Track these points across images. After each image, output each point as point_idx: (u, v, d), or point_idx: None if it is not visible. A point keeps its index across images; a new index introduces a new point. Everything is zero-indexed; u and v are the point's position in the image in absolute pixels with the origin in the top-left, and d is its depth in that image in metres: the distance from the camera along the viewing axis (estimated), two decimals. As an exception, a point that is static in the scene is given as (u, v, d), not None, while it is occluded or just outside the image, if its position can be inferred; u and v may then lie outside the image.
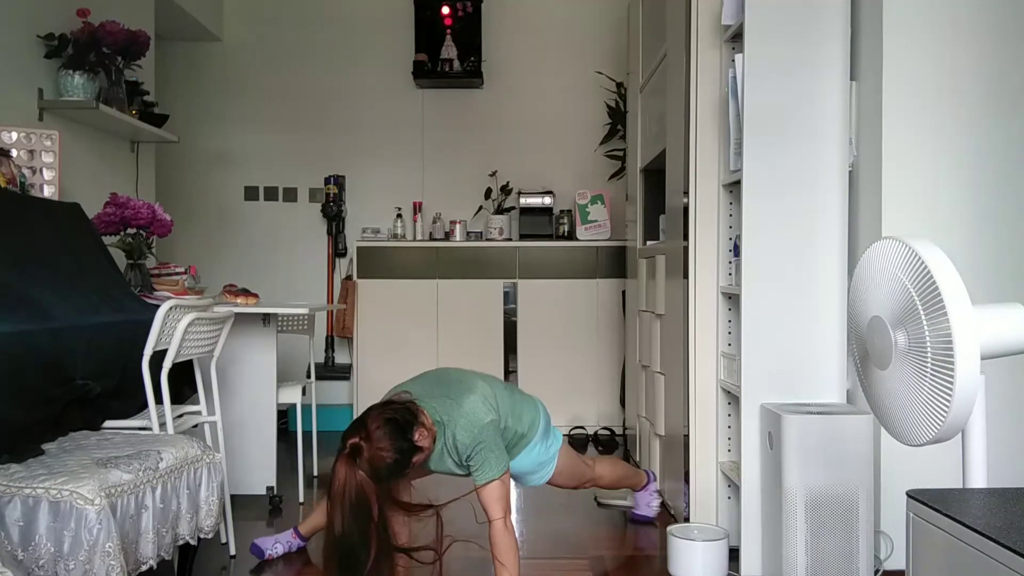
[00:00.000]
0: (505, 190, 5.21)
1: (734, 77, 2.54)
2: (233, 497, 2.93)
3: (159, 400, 2.41)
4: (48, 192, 2.96)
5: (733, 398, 2.69)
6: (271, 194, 5.33)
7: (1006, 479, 2.23)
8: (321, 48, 5.30)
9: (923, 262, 1.48)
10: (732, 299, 2.73)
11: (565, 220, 5.06)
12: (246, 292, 3.25)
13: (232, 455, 3.16)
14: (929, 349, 1.47)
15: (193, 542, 2.24)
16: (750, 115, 2.46)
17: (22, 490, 1.81)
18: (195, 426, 2.75)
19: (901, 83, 2.42)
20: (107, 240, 2.91)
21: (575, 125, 5.26)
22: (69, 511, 1.79)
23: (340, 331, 5.12)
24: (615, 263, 4.85)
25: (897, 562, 2.36)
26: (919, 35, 2.42)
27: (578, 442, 4.72)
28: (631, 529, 3.14)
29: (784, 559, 2.22)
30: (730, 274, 2.74)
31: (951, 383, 1.42)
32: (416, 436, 2.25)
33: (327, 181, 5.18)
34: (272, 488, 3.40)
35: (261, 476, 3.41)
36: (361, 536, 2.08)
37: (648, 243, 3.75)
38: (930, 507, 1.29)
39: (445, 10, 5.10)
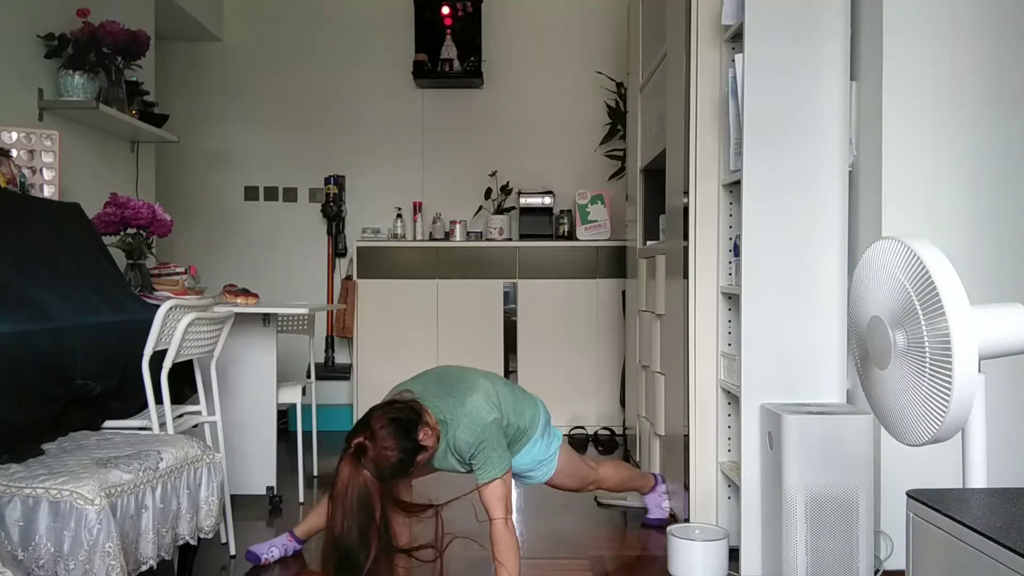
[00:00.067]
0: (505, 190, 5.21)
1: (734, 77, 2.54)
2: (233, 497, 2.93)
3: (159, 400, 2.41)
4: (48, 192, 2.96)
5: (733, 398, 2.69)
6: (271, 194, 5.33)
7: (1006, 479, 2.23)
8: (321, 48, 5.30)
9: (922, 262, 1.48)
10: (732, 299, 2.73)
11: (565, 220, 5.06)
12: (246, 292, 3.25)
13: (232, 455, 3.16)
14: (927, 349, 1.47)
15: (193, 542, 2.24)
16: (750, 115, 2.46)
17: (22, 490, 1.81)
18: (195, 426, 2.75)
19: (901, 83, 2.42)
20: (107, 240, 2.91)
21: (575, 125, 5.26)
22: (69, 511, 1.79)
23: (340, 331, 5.12)
24: (615, 263, 4.85)
25: (897, 562, 2.36)
26: (919, 35, 2.42)
27: (578, 442, 4.72)
28: (631, 529, 3.14)
29: (784, 559, 2.22)
30: (730, 274, 2.74)
31: (949, 383, 1.42)
32: (420, 436, 2.25)
33: (327, 181, 5.18)
34: (272, 488, 3.40)
35: (261, 476, 3.41)
36: (362, 536, 2.08)
37: (648, 243, 3.75)
38: (930, 507, 1.29)
39: (445, 10, 5.10)
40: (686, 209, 2.87)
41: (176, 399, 2.62)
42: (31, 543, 1.78)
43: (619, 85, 5.03)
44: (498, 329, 4.92)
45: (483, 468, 2.33)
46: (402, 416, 2.23)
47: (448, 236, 5.06)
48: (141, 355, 2.36)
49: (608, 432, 4.84)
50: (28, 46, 3.28)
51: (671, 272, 3.15)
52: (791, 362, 2.47)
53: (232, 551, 2.76)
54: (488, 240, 5.00)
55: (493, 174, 5.24)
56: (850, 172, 2.51)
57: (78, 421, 2.34)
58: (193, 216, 5.18)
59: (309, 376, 3.84)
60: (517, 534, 2.37)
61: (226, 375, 3.30)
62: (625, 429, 4.71)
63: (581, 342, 4.90)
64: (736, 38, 2.66)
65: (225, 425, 2.90)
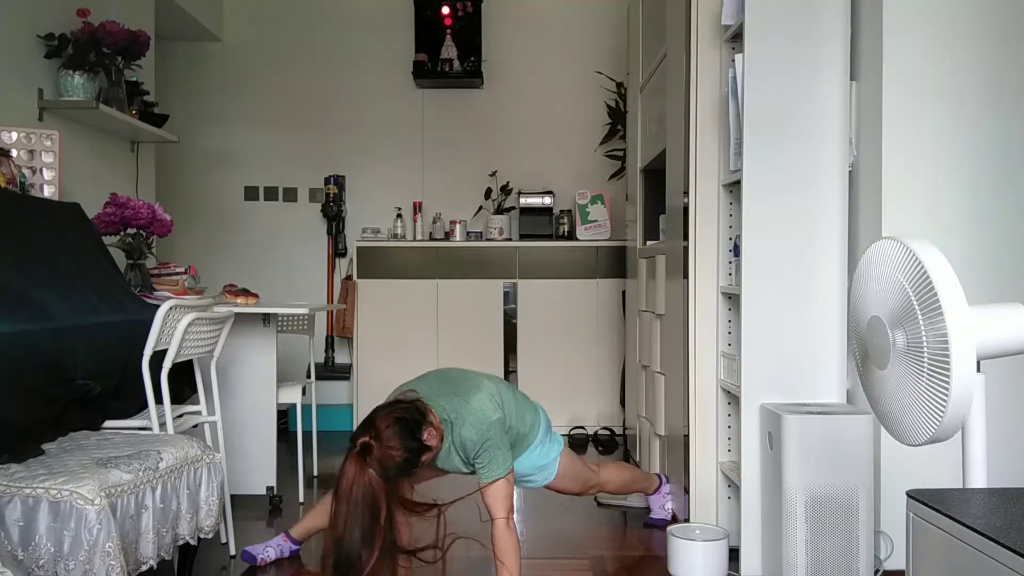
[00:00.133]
0: (505, 190, 5.21)
1: (734, 77, 2.54)
2: (233, 497, 2.93)
3: (159, 400, 2.41)
4: (48, 192, 2.96)
5: (733, 398, 2.69)
6: (271, 194, 5.33)
7: (1006, 479, 2.23)
8: (321, 48, 5.30)
9: (920, 263, 1.48)
10: (732, 299, 2.73)
11: (565, 220, 5.06)
12: (246, 292, 3.25)
13: (232, 455, 3.16)
14: (926, 349, 1.47)
15: (193, 542, 2.24)
16: (750, 115, 2.46)
17: (22, 490, 1.81)
18: (195, 426, 2.75)
19: (901, 83, 2.42)
20: (107, 240, 2.91)
21: (575, 125, 5.26)
22: (69, 511, 1.79)
23: (340, 331, 5.12)
24: (615, 263, 4.85)
25: (897, 562, 2.36)
26: (919, 35, 2.42)
27: (578, 442, 4.72)
28: (631, 529, 3.14)
29: (784, 559, 2.22)
30: (730, 274, 2.74)
31: (947, 383, 1.43)
32: (425, 435, 2.26)
33: (327, 181, 5.18)
34: (272, 488, 3.40)
35: (261, 476, 3.41)
36: (366, 535, 2.08)
37: (648, 243, 3.75)
38: (930, 507, 1.29)
39: (445, 10, 5.10)
40: (686, 209, 2.87)
41: (176, 399, 2.62)
42: (31, 543, 1.78)
43: (619, 85, 5.03)
44: (498, 329, 4.92)
45: (486, 467, 2.33)
46: (407, 416, 2.24)
47: (448, 236, 5.06)
48: (141, 355, 2.36)
49: (608, 432, 4.84)
50: (28, 46, 3.28)
51: (671, 272, 3.15)
52: (791, 362, 2.47)
53: (232, 551, 2.76)
54: (488, 240, 5.00)
55: (493, 174, 5.24)
56: (850, 172, 2.51)
57: (78, 421, 2.34)
58: (193, 216, 5.18)
59: (309, 376, 3.84)
60: (518, 534, 2.37)
61: (226, 375, 3.30)
62: (625, 429, 4.71)
63: (581, 342, 4.90)
64: (736, 38, 2.66)
65: (225, 425, 2.90)
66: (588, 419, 4.88)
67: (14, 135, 2.91)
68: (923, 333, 1.48)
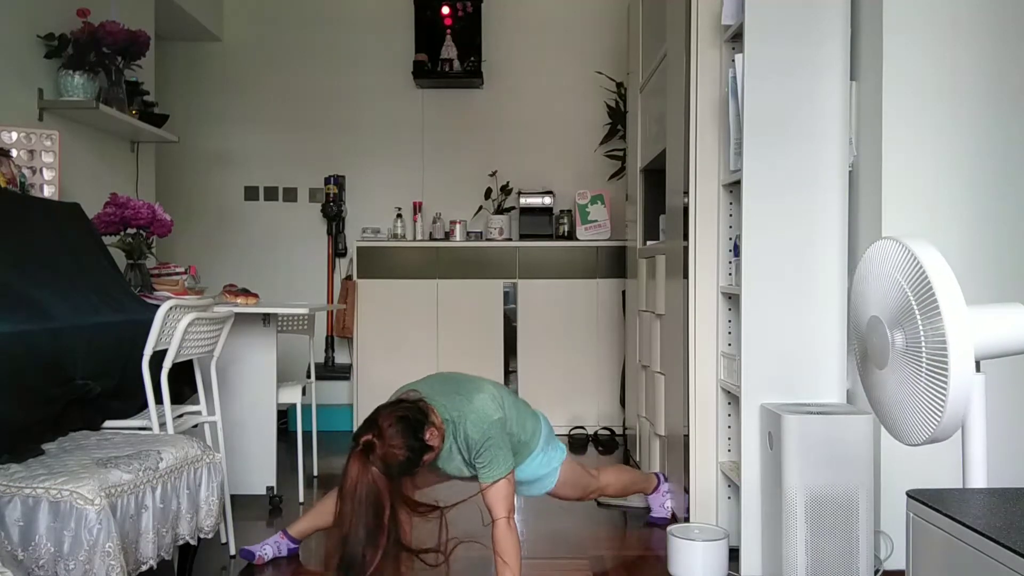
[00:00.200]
0: (505, 190, 5.21)
1: (734, 77, 2.54)
2: (233, 497, 2.93)
3: (159, 400, 2.41)
4: (48, 192, 2.96)
5: (733, 398, 2.69)
6: (271, 194, 5.33)
7: (1006, 479, 2.23)
8: (321, 48, 5.30)
9: (919, 262, 1.48)
10: (732, 299, 2.73)
11: (565, 220, 5.06)
12: (246, 292, 3.25)
13: (232, 455, 3.16)
14: (924, 349, 1.47)
15: (193, 542, 2.24)
16: (750, 115, 2.46)
17: (22, 490, 1.81)
18: (195, 426, 2.75)
19: (901, 83, 2.42)
20: (107, 240, 2.91)
21: (575, 125, 5.26)
22: (69, 511, 1.79)
23: (340, 331, 5.12)
24: (615, 263, 4.85)
25: (897, 562, 2.36)
26: (919, 35, 2.42)
27: (578, 442, 4.72)
28: (631, 529, 3.14)
29: (784, 559, 2.22)
30: (730, 274, 2.74)
31: (945, 383, 1.43)
32: (427, 435, 2.27)
33: (327, 181, 5.18)
34: (272, 488, 3.40)
35: (261, 476, 3.41)
36: (370, 533, 2.09)
37: (648, 243, 3.75)
38: (930, 507, 1.29)
39: (445, 10, 5.10)
40: (686, 209, 2.87)
41: (176, 399, 2.62)
42: (31, 543, 1.78)
43: (619, 85, 5.03)
44: (498, 329, 4.92)
45: (487, 467, 2.34)
46: (409, 415, 2.25)
47: (448, 236, 5.06)
48: (141, 355, 2.36)
49: (608, 432, 4.84)
50: (28, 46, 3.28)
51: (671, 272, 3.15)
52: (791, 362, 2.47)
53: (232, 551, 2.76)
54: (488, 240, 5.00)
55: (493, 174, 5.24)
56: (850, 172, 2.51)
57: (78, 421, 2.34)
58: (193, 216, 5.18)
59: (309, 376, 3.84)
60: (519, 534, 2.37)
61: (226, 375, 3.30)
62: (625, 429, 4.71)
63: (581, 342, 4.90)
64: (736, 38, 2.66)
65: (225, 425, 2.90)
66: (588, 419, 4.88)
67: (14, 135, 2.91)
68: (921, 333, 1.48)
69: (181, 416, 2.66)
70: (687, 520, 2.83)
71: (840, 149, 2.48)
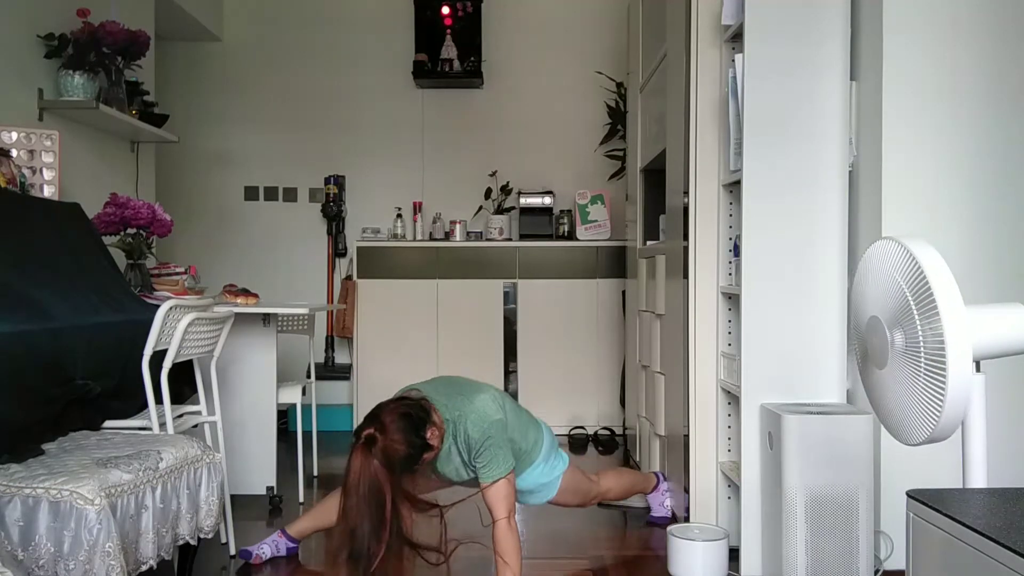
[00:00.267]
0: (505, 190, 5.21)
1: (734, 77, 2.54)
2: (233, 497, 2.92)
3: (159, 400, 2.41)
4: (48, 192, 2.96)
5: (733, 398, 2.69)
6: (271, 194, 5.33)
7: (1006, 479, 2.23)
8: (321, 48, 5.30)
9: (917, 263, 1.49)
10: (732, 299, 2.73)
11: (565, 220, 5.06)
12: (246, 292, 3.25)
13: (232, 455, 3.16)
14: (923, 349, 1.47)
15: (193, 542, 2.24)
16: (750, 115, 2.46)
17: (22, 490, 1.81)
18: (195, 426, 2.75)
19: (901, 83, 2.42)
20: (107, 240, 2.91)
21: (575, 125, 5.26)
22: (69, 511, 1.79)
23: (340, 331, 5.12)
24: (615, 263, 4.85)
25: (897, 562, 2.36)
26: (919, 35, 2.42)
27: (578, 442, 4.72)
28: (631, 529, 3.14)
29: (784, 559, 2.22)
30: (730, 274, 2.74)
31: (943, 383, 1.43)
32: (428, 434, 2.29)
33: (327, 181, 5.18)
34: (272, 488, 3.40)
35: (261, 476, 3.40)
36: (374, 526, 2.10)
37: (648, 243, 3.75)
38: (930, 507, 1.29)
39: (445, 10, 5.10)
40: (686, 209, 2.87)
41: (176, 399, 2.62)
42: (31, 543, 1.78)
43: (619, 85, 5.03)
44: (498, 329, 4.92)
45: (487, 467, 2.35)
46: (412, 412, 2.28)
47: (448, 236, 5.06)
48: (141, 355, 2.36)
49: (608, 432, 4.84)
50: (28, 46, 3.28)
51: (671, 272, 3.15)
52: (791, 362, 2.47)
53: (232, 551, 2.76)
54: (488, 240, 5.00)
55: (493, 174, 5.24)
56: (850, 172, 2.51)
57: (78, 421, 2.34)
58: (193, 216, 5.18)
59: (309, 376, 3.84)
60: (519, 534, 2.38)
61: (226, 375, 3.30)
62: (625, 429, 4.71)
63: (581, 342, 4.90)
64: (736, 38, 2.66)
65: (225, 425, 2.90)
66: (588, 419, 4.88)
67: (14, 135, 2.91)
68: (920, 333, 1.48)
69: (181, 416, 2.67)
70: (687, 520, 2.83)
71: (840, 149, 2.48)
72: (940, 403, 1.44)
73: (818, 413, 2.26)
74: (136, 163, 4.09)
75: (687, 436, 2.85)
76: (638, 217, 3.96)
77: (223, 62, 5.32)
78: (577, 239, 4.97)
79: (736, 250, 2.66)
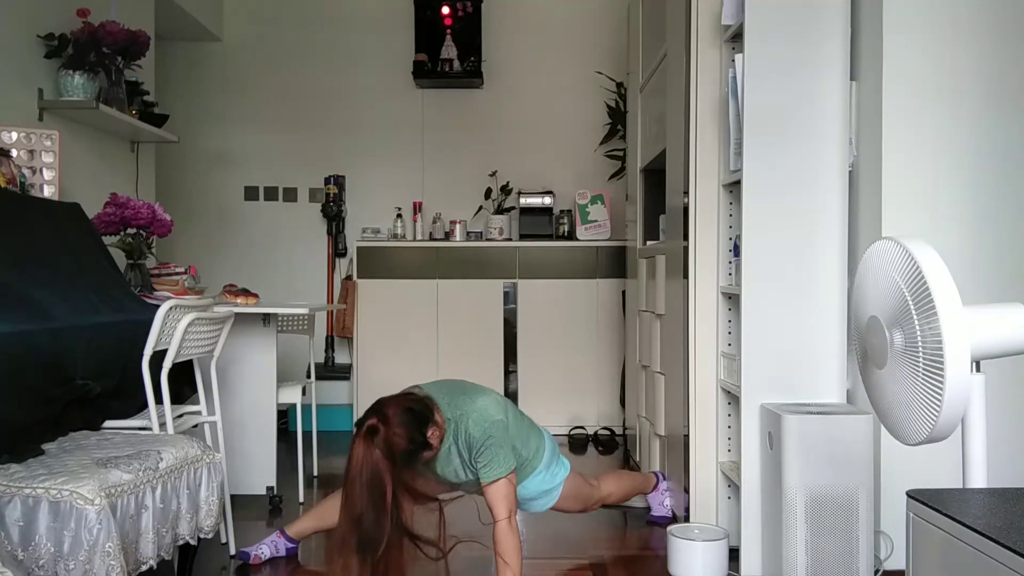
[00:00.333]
0: (505, 190, 5.21)
1: (734, 77, 2.54)
2: (233, 497, 2.92)
3: (159, 400, 2.41)
4: (48, 192, 2.96)
5: (733, 398, 2.69)
6: (271, 194, 5.33)
7: (1006, 479, 2.23)
8: (321, 48, 5.30)
9: (916, 263, 1.49)
10: (732, 299, 2.73)
11: (565, 220, 5.06)
12: (246, 292, 3.25)
13: (232, 455, 3.16)
14: (921, 349, 1.48)
15: (193, 542, 2.24)
16: (750, 115, 2.46)
17: (22, 490, 1.81)
18: (195, 426, 2.75)
19: (901, 83, 2.42)
20: (107, 240, 2.91)
21: (575, 125, 5.26)
22: (69, 511, 1.79)
23: (340, 331, 5.12)
24: (615, 263, 4.85)
25: (897, 562, 2.36)
26: (919, 35, 2.42)
27: (578, 442, 4.72)
28: (631, 529, 3.14)
29: (784, 559, 2.22)
30: (730, 274, 2.74)
31: (941, 383, 1.43)
32: (429, 433, 2.30)
33: (327, 181, 5.18)
34: (272, 488, 3.40)
35: (261, 476, 3.41)
36: (377, 514, 2.11)
37: (648, 243, 3.75)
38: (930, 507, 1.29)
39: (445, 10, 5.10)
40: (686, 209, 2.87)
41: (176, 399, 2.62)
42: (31, 543, 1.78)
43: (619, 85, 5.03)
44: (498, 329, 4.92)
45: (488, 466, 2.35)
46: (416, 408, 2.29)
47: (448, 236, 5.06)
48: (141, 355, 2.36)
49: (608, 432, 4.83)
50: (28, 46, 3.28)
51: (671, 272, 3.15)
52: (791, 362, 2.47)
53: (232, 551, 2.76)
54: (488, 240, 5.00)
55: (493, 174, 5.24)
56: (850, 172, 2.51)
57: (78, 421, 2.34)
58: (193, 216, 5.18)
59: (309, 376, 3.84)
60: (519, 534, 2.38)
61: (226, 375, 3.30)
62: (625, 429, 4.71)
63: (581, 342, 4.90)
64: (736, 38, 2.66)
65: (225, 425, 2.90)
66: (588, 419, 4.88)
67: (14, 135, 2.91)
68: (919, 333, 1.48)
69: (181, 416, 2.66)
70: (687, 520, 2.83)
71: (840, 149, 2.48)
72: (938, 403, 1.44)
73: (818, 413, 2.26)
74: (136, 163, 4.09)
75: (687, 436, 2.85)
76: (638, 217, 3.96)
77: (223, 62, 5.32)
78: (577, 239, 4.97)
79: (736, 250, 2.66)
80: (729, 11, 2.61)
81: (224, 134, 5.31)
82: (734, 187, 2.67)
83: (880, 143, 2.43)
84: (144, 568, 2.01)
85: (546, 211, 5.05)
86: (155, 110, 4.00)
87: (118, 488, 1.91)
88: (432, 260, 4.94)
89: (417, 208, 5.15)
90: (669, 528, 2.58)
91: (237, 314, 3.00)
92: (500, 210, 5.16)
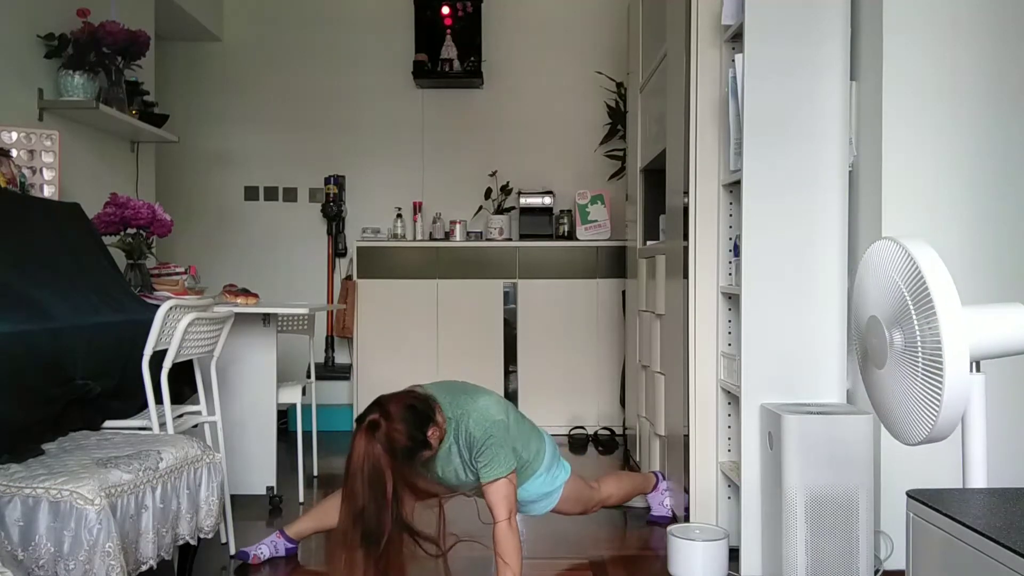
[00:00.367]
0: (505, 190, 5.21)
1: (734, 77, 2.54)
2: (233, 497, 2.92)
3: (159, 400, 2.41)
4: (48, 192, 2.96)
5: (733, 398, 2.69)
6: (271, 194, 5.33)
7: (1006, 479, 2.23)
8: (321, 48, 5.30)
9: (915, 263, 1.49)
10: (732, 299, 2.73)
11: (565, 220, 5.06)
12: (246, 292, 3.25)
13: (232, 455, 3.16)
14: (920, 349, 1.48)
15: (193, 542, 2.24)
16: (750, 115, 2.46)
17: (22, 490, 1.81)
18: (195, 426, 2.75)
19: (901, 83, 2.42)
20: (107, 240, 2.91)
21: (575, 125, 5.26)
22: (69, 511, 1.79)
23: (340, 331, 5.12)
24: (615, 263, 4.85)
25: (897, 562, 2.36)
26: (919, 35, 2.42)
27: (578, 442, 4.72)
28: (631, 529, 3.14)
29: (784, 559, 2.22)
30: (730, 274, 2.74)
31: (941, 383, 1.43)
32: (429, 432, 2.31)
33: (327, 181, 5.18)
34: (272, 488, 3.40)
35: (261, 476, 3.41)
36: (379, 510, 2.12)
37: (648, 243, 3.75)
38: (930, 507, 1.29)
39: (445, 10, 5.10)
40: (686, 209, 2.87)
41: (176, 399, 2.62)
42: (31, 543, 1.78)
43: (619, 85, 5.03)
44: (498, 329, 4.92)
45: (488, 466, 2.35)
46: (418, 405, 2.30)
47: (448, 236, 5.06)
48: (141, 355, 2.36)
49: (608, 432, 4.83)
50: (28, 46, 3.28)
51: (671, 272, 3.15)
52: (791, 362, 2.47)
53: (232, 551, 2.76)
54: (488, 240, 5.00)
55: (493, 174, 5.24)
56: (850, 172, 2.51)
57: (78, 421, 2.34)
58: (193, 216, 5.18)
59: (309, 376, 3.84)
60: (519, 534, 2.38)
61: (226, 375, 3.30)
62: (625, 429, 4.71)
63: (581, 342, 4.90)
64: (736, 38, 2.66)
65: (225, 425, 2.90)
66: (588, 419, 4.88)
67: (14, 135, 2.91)
68: (918, 333, 1.48)
69: (181, 416, 2.66)
70: (687, 520, 2.83)
71: (840, 149, 2.48)
72: (938, 403, 1.44)
73: (818, 413, 2.26)
74: (136, 163, 4.09)
75: (687, 436, 2.85)
76: (638, 217, 3.96)
77: (223, 62, 5.32)
78: (577, 239, 4.97)
79: (736, 250, 2.66)
80: (729, 11, 2.61)
81: (224, 134, 5.31)
82: (734, 187, 2.67)
83: (880, 143, 2.43)
84: (144, 568, 2.01)
85: (546, 211, 5.05)
86: (155, 110, 4.00)
87: (118, 488, 1.91)
88: (432, 260, 4.94)
89: (417, 208, 5.15)
90: (669, 528, 2.58)
91: (237, 314, 3.00)
92: (500, 210, 5.16)
